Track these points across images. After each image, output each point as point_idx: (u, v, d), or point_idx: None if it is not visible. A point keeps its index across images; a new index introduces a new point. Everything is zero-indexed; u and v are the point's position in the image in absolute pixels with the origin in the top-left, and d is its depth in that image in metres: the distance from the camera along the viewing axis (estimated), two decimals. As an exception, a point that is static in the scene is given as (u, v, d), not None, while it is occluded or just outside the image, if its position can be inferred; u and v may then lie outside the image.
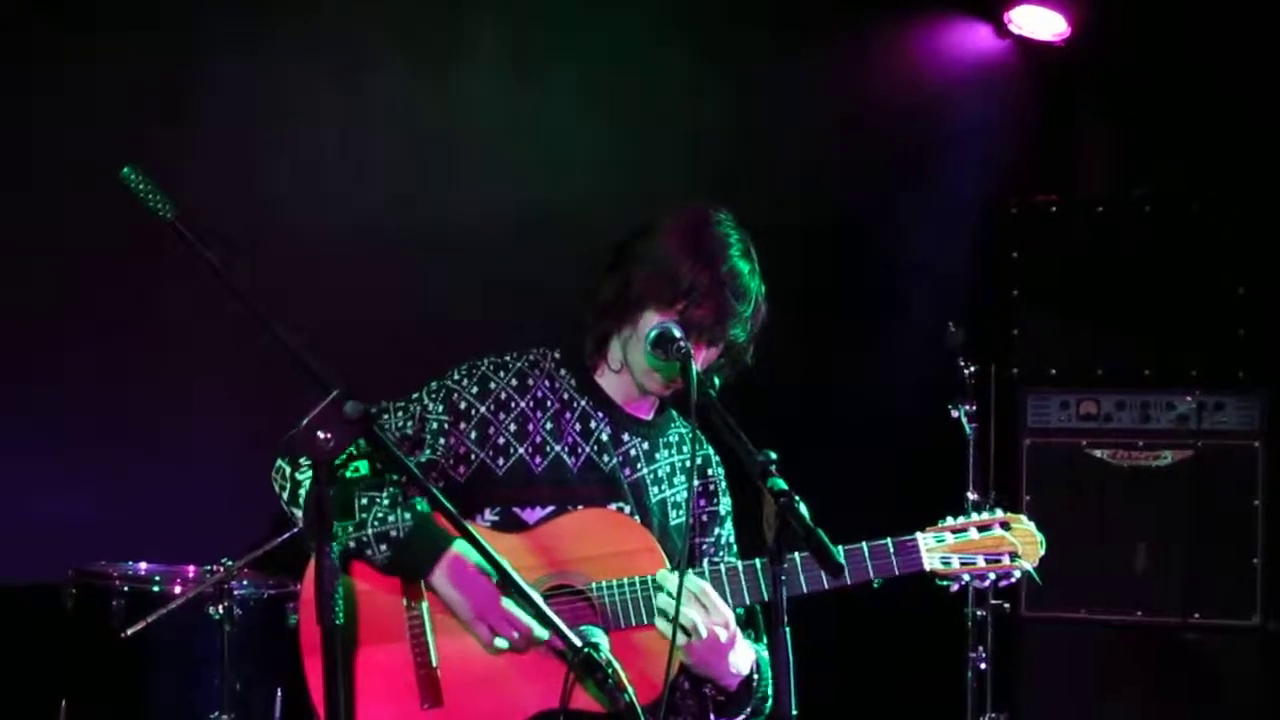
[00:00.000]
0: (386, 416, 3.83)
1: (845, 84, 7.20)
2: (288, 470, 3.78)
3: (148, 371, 6.13)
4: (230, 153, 6.27)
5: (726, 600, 3.76)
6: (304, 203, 6.39)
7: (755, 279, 3.87)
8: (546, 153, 6.77)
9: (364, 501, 3.70)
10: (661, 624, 3.70)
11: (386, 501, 3.71)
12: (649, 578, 3.73)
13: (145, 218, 3.00)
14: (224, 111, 6.27)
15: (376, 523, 3.68)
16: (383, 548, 3.69)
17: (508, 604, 3.65)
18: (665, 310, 3.80)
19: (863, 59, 7.29)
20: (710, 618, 3.68)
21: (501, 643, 3.69)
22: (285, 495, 3.80)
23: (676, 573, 3.70)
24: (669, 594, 3.69)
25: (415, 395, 3.88)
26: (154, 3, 6.23)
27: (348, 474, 3.69)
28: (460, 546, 3.69)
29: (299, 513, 3.76)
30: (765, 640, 3.88)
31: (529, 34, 6.86)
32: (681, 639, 3.64)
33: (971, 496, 5.95)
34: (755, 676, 3.82)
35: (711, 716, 3.84)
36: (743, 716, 3.87)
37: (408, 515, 3.69)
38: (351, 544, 3.69)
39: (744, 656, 3.78)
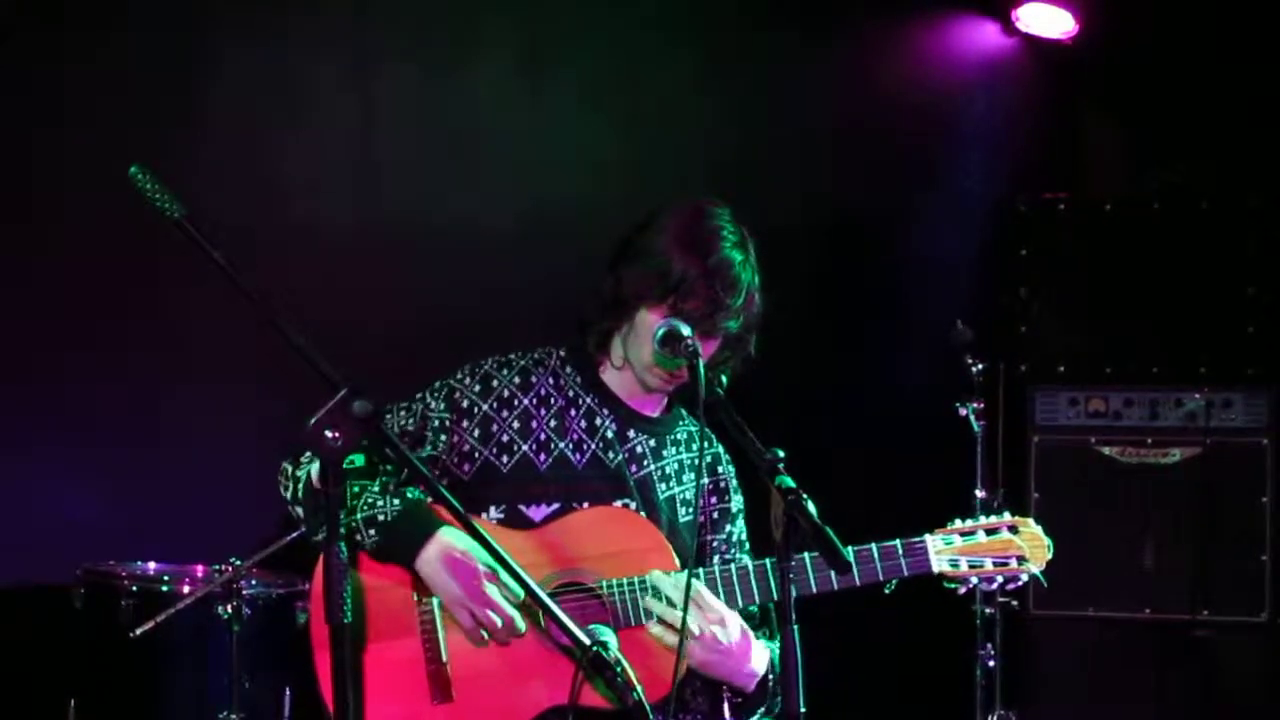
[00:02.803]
0: (390, 415, 3.85)
1: (852, 83, 7.19)
2: (289, 469, 3.80)
3: (155, 371, 6.13)
4: (238, 151, 6.27)
5: (735, 600, 3.76)
6: (311, 202, 6.40)
7: (747, 270, 3.86)
8: (553, 152, 6.77)
9: (355, 489, 3.72)
10: (651, 626, 3.70)
11: (376, 488, 3.74)
12: (643, 577, 3.74)
13: (151, 216, 3.00)
14: (232, 110, 6.28)
15: (365, 508, 3.70)
16: (371, 532, 3.71)
17: (491, 590, 3.66)
18: (657, 305, 3.81)
19: (870, 58, 7.28)
20: (705, 615, 3.68)
21: (483, 632, 3.70)
22: (289, 495, 3.82)
23: (664, 572, 3.72)
24: (655, 593, 3.70)
25: (419, 395, 3.90)
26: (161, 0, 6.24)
27: (344, 466, 3.69)
28: (448, 532, 3.70)
29: (302, 511, 3.77)
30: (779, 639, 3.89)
31: (536, 35, 6.86)
32: (676, 639, 3.64)
33: (980, 494, 5.95)
34: (770, 676, 3.82)
35: (728, 717, 3.85)
36: (757, 716, 3.87)
37: (396, 501, 3.71)
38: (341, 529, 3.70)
39: (758, 657, 3.78)
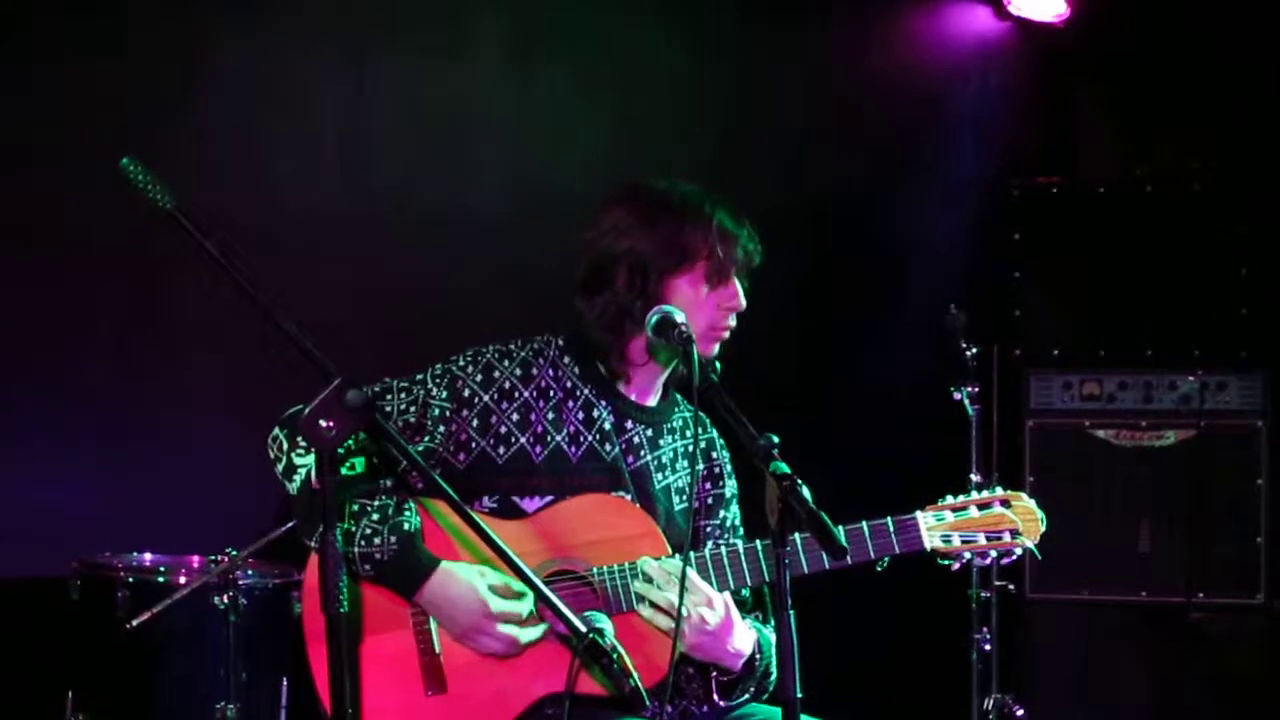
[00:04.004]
0: (389, 397, 3.83)
1: (846, 67, 7.19)
2: (285, 445, 3.78)
3: (150, 362, 6.13)
4: (230, 142, 6.26)
5: (727, 582, 3.77)
6: (305, 192, 6.39)
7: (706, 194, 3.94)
8: (546, 140, 6.76)
9: (354, 508, 3.71)
10: (641, 609, 3.71)
11: (376, 517, 3.71)
12: (633, 563, 3.74)
13: (147, 208, 3.00)
14: (224, 101, 6.26)
15: (363, 541, 3.69)
16: (366, 567, 3.71)
17: (499, 627, 3.68)
18: (690, 272, 3.83)
19: (863, 42, 7.28)
20: (690, 597, 3.68)
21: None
22: (279, 468, 3.80)
23: (654, 557, 3.72)
24: (645, 578, 3.71)
25: (419, 377, 3.88)
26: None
27: (344, 470, 3.69)
28: (443, 570, 3.70)
29: (290, 486, 3.77)
30: (773, 621, 3.89)
31: (527, 23, 6.85)
32: (667, 623, 3.65)
33: (975, 479, 5.94)
34: (757, 656, 3.83)
35: (716, 696, 3.85)
36: (747, 695, 3.88)
37: (394, 539, 3.69)
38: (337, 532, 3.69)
39: (743, 637, 3.79)
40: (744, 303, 3.90)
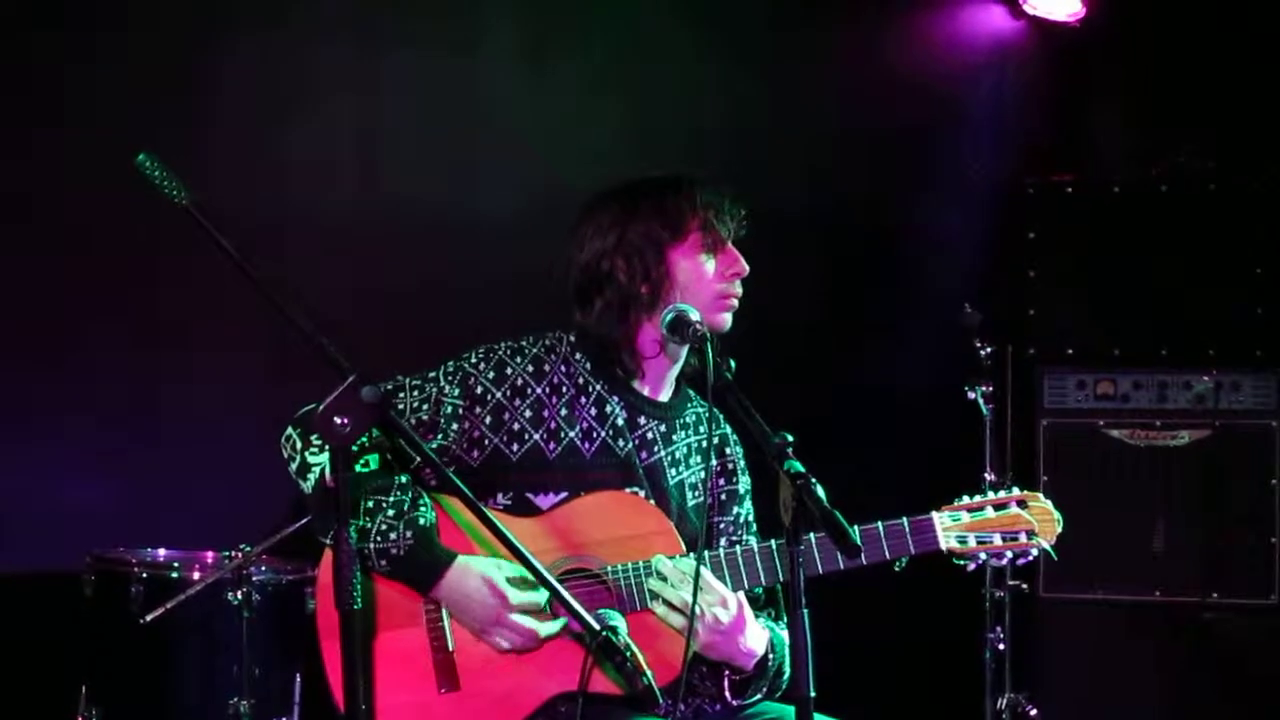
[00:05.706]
0: (402, 394, 3.83)
1: (861, 66, 7.18)
2: (299, 444, 3.78)
3: (163, 358, 6.13)
4: (240, 140, 6.26)
5: (741, 582, 3.76)
6: (317, 189, 6.39)
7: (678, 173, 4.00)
8: (557, 138, 6.75)
9: (369, 504, 3.70)
10: (656, 607, 3.71)
11: (391, 512, 3.70)
12: (648, 561, 3.74)
13: (159, 204, 3.00)
14: (235, 98, 6.27)
15: (379, 537, 3.68)
16: (383, 563, 3.70)
17: (516, 619, 3.67)
18: (686, 243, 3.87)
19: (878, 41, 7.27)
20: (704, 597, 3.68)
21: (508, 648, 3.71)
22: (293, 467, 3.80)
23: (668, 555, 3.71)
24: (659, 576, 3.70)
25: (431, 374, 3.87)
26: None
27: (358, 467, 3.69)
28: (459, 565, 3.69)
29: (304, 485, 3.77)
30: (785, 619, 3.88)
31: (541, 21, 6.85)
32: (680, 621, 3.64)
33: (989, 477, 5.95)
34: (770, 655, 3.83)
35: (728, 695, 3.85)
36: (759, 694, 3.88)
37: (409, 533, 3.68)
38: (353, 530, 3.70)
39: (756, 636, 3.78)
40: (746, 267, 3.91)
